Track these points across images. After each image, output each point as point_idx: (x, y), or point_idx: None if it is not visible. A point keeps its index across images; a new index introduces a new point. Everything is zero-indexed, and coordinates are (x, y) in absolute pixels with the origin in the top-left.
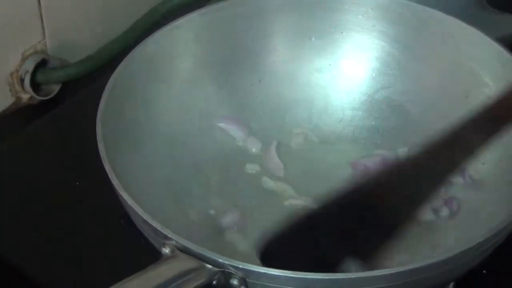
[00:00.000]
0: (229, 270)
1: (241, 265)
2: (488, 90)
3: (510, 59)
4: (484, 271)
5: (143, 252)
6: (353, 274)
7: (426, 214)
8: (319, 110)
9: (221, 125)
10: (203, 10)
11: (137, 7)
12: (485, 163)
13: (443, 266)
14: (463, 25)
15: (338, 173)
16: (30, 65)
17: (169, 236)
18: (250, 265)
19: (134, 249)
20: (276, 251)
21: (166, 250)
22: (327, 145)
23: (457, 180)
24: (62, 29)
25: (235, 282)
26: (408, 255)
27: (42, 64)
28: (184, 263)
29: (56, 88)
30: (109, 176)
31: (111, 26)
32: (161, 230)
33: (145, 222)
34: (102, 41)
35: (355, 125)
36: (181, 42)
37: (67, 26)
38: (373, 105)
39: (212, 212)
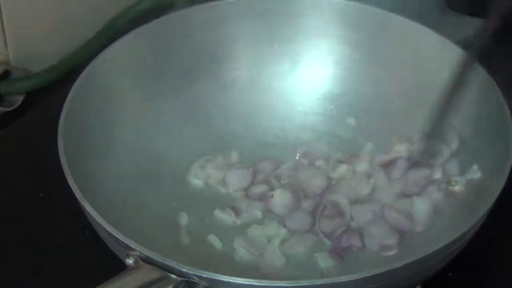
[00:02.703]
0: (193, 280)
1: (205, 274)
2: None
3: None
4: (450, 274)
5: (107, 262)
6: (317, 280)
7: None
8: (281, 116)
9: None
10: (164, 19)
11: (100, 17)
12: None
13: (406, 271)
14: (423, 28)
15: None
16: None
17: (133, 246)
18: (214, 274)
19: (99, 259)
20: None
21: (130, 261)
22: (291, 149)
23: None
24: (25, 39)
25: None
26: None
27: (5, 75)
28: (148, 274)
29: (19, 99)
30: (72, 188)
31: (73, 36)
32: (124, 241)
33: (109, 233)
34: (65, 50)
35: (317, 130)
36: (141, 52)
37: (30, 37)
38: (335, 110)
39: (176, 221)
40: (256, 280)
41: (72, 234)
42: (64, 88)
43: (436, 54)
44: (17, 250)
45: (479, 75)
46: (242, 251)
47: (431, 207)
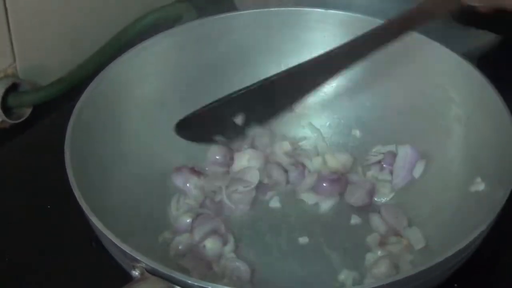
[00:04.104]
0: None
1: (210, 285)
2: (454, 104)
3: (475, 73)
4: (456, 285)
5: (114, 274)
6: None
7: None
8: (287, 128)
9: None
10: (170, 31)
11: (107, 29)
12: None
13: (410, 282)
14: (428, 40)
15: None
16: (0, 89)
17: (138, 258)
18: (220, 286)
19: (105, 271)
20: None
21: (136, 272)
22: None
23: None
24: (33, 52)
25: None
26: None
27: (13, 88)
28: (154, 285)
29: (27, 111)
30: (78, 200)
31: (81, 49)
32: (130, 253)
33: (115, 245)
34: (73, 63)
35: (323, 142)
36: (149, 64)
37: (37, 49)
38: (341, 122)
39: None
40: None
41: (78, 246)
42: (71, 101)
43: (442, 67)
44: (23, 261)
45: (482, 86)
46: None
47: None
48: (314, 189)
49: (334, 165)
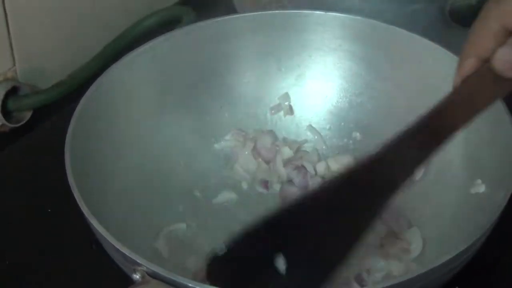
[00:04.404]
0: None
1: None
2: None
3: None
4: (457, 287)
5: (115, 277)
6: None
7: None
8: (287, 131)
9: None
10: (170, 34)
11: (107, 32)
12: None
13: (411, 285)
14: (428, 42)
15: None
16: (0, 93)
17: (139, 262)
18: None
19: (106, 274)
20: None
21: (137, 276)
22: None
23: None
24: (32, 55)
25: None
26: None
27: (12, 91)
28: None
29: (27, 115)
30: (79, 203)
31: (81, 52)
32: (131, 257)
33: (116, 248)
34: (73, 66)
35: (324, 144)
36: (149, 66)
37: (37, 53)
38: (342, 125)
39: (181, 236)
40: None
41: (79, 249)
42: (71, 104)
43: (441, 68)
44: (23, 261)
45: None
46: None
47: None
48: None
49: (337, 169)
